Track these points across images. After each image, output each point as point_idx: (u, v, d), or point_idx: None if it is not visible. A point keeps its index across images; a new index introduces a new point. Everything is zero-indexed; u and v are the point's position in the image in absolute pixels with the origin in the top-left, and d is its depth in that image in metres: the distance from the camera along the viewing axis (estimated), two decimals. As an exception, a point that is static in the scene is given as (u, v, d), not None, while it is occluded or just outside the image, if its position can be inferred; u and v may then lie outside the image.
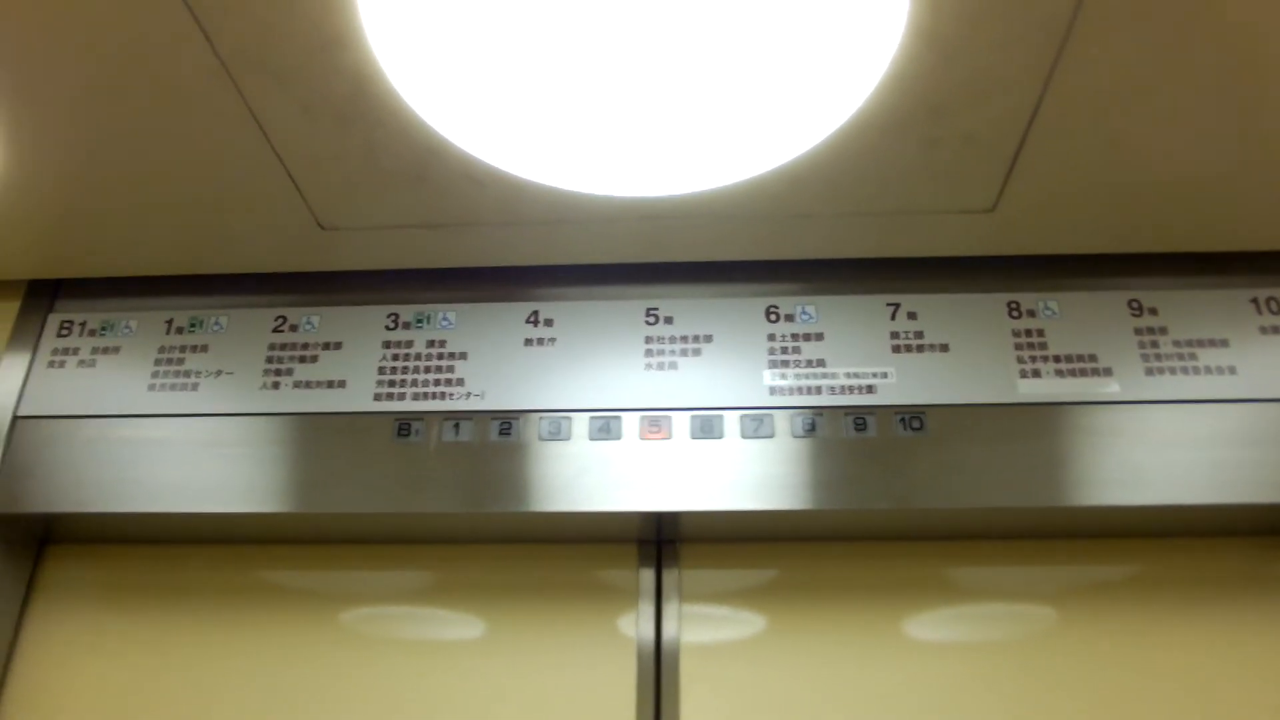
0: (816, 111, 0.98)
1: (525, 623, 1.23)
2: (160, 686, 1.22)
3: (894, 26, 0.88)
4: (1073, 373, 1.19)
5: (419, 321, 1.27)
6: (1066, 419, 1.16)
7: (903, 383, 1.19)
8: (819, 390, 1.19)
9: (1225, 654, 1.16)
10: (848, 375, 1.20)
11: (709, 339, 1.23)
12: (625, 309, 1.26)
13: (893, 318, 1.23)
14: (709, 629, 1.21)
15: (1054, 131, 1.01)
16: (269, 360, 1.26)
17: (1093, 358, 1.19)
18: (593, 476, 1.17)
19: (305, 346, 1.27)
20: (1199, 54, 0.92)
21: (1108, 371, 1.19)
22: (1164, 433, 1.15)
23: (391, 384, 1.23)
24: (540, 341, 1.25)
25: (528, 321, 1.26)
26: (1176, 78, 0.94)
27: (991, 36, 0.89)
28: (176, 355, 1.28)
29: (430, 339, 1.26)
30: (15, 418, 1.25)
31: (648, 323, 1.25)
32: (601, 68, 0.92)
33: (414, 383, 1.23)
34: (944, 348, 1.21)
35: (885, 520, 1.19)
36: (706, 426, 1.18)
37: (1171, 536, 1.22)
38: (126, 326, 1.30)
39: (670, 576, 1.23)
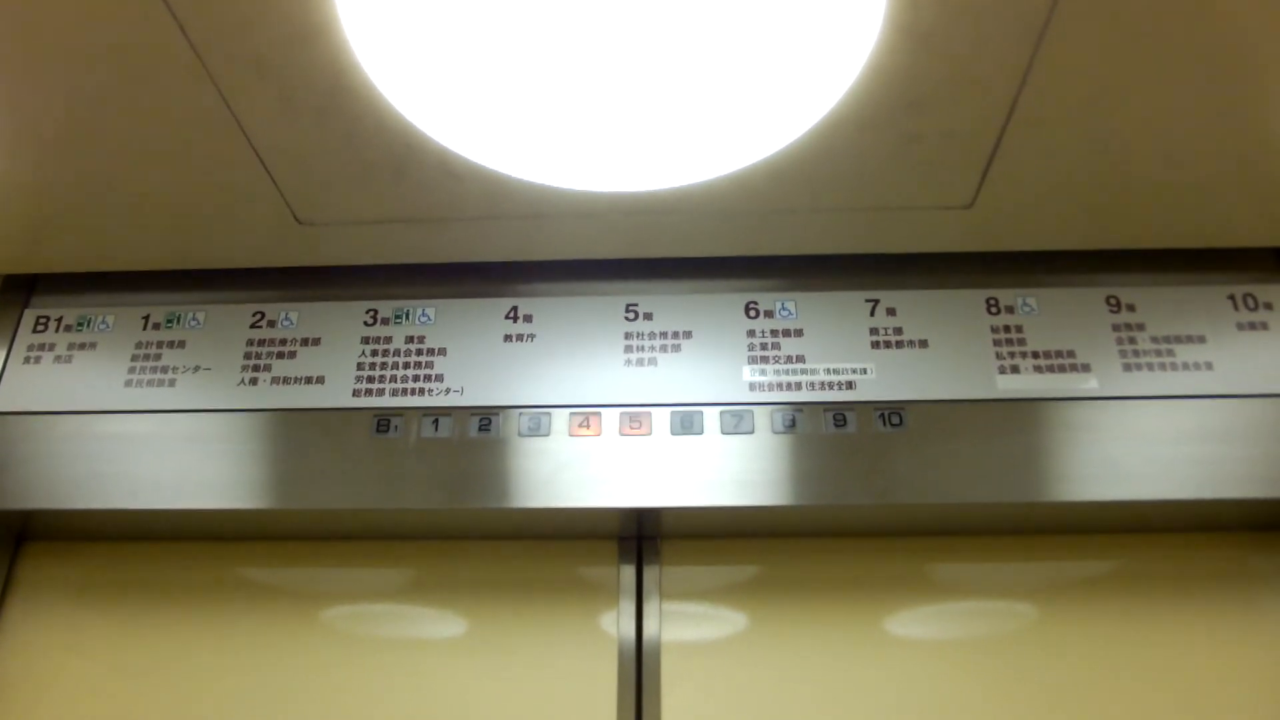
0: (796, 106, 0.98)
1: (506, 619, 1.23)
2: (139, 684, 1.21)
3: (872, 21, 0.88)
4: (1051, 369, 1.19)
5: (398, 317, 1.27)
6: (1045, 415, 1.17)
7: (882, 379, 1.20)
8: (799, 386, 1.20)
9: (1205, 648, 1.17)
10: (827, 371, 1.20)
11: (689, 335, 1.23)
12: (605, 305, 1.26)
13: (872, 314, 1.24)
14: (690, 625, 1.21)
15: (1032, 127, 1.01)
16: (247, 356, 1.26)
17: (1071, 354, 1.20)
18: (572, 472, 1.16)
19: (283, 342, 1.26)
20: (1177, 50, 0.92)
21: (1086, 367, 1.19)
22: (1142, 428, 1.16)
23: (370, 380, 1.23)
24: (520, 337, 1.24)
25: (507, 317, 1.26)
26: (1154, 74, 0.95)
27: (969, 32, 0.89)
28: (153, 351, 1.27)
29: (409, 335, 1.26)
30: (-9, 414, 1.25)
31: (627, 319, 1.25)
32: (581, 62, 0.92)
33: (393, 379, 1.23)
34: (923, 344, 1.21)
35: (866, 516, 1.20)
36: (686, 422, 1.18)
37: (1150, 531, 1.23)
38: (103, 322, 1.30)
39: (651, 573, 1.23)
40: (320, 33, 0.89)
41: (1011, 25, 0.89)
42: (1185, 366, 1.19)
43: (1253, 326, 1.21)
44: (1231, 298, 1.23)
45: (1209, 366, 1.18)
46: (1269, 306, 1.22)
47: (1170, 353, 1.20)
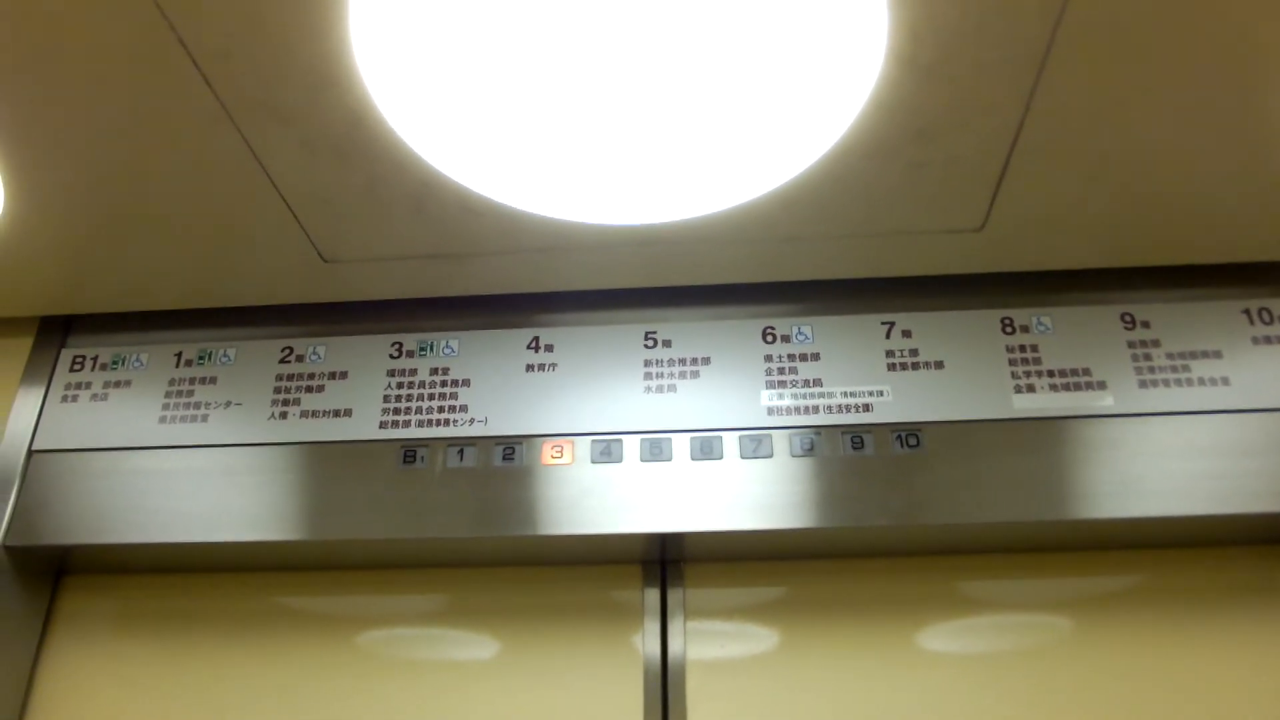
0: (804, 137, 1.00)
1: (533, 643, 1.24)
2: (178, 711, 1.24)
3: (874, 54, 0.90)
4: (1067, 387, 1.20)
5: (423, 350, 1.29)
6: (1062, 433, 1.17)
7: (899, 401, 1.21)
8: (816, 410, 1.21)
9: (1229, 662, 1.17)
10: (844, 394, 1.21)
11: (707, 361, 1.25)
12: (624, 333, 1.28)
13: (888, 336, 1.25)
14: (714, 647, 1.22)
15: (1037, 151, 1.02)
16: (276, 391, 1.29)
17: (1086, 371, 1.20)
18: (595, 499, 1.18)
19: (312, 377, 1.29)
20: (1181, 67, 0.93)
21: (1102, 385, 1.20)
22: (1159, 445, 1.16)
23: (396, 412, 1.25)
24: (541, 367, 1.26)
25: (529, 347, 1.28)
26: (1159, 91, 0.96)
27: (970, 61, 0.91)
28: (186, 387, 1.30)
29: (434, 367, 1.28)
30: (31, 452, 1.28)
31: (646, 346, 1.27)
32: (593, 99, 0.94)
33: (418, 410, 1.25)
34: (939, 365, 1.22)
35: (885, 537, 1.20)
36: (706, 447, 1.19)
37: (1170, 547, 1.23)
38: (137, 360, 1.33)
39: (674, 596, 1.25)
40: (338, 80, 0.92)
41: (1013, 53, 0.90)
42: (1201, 382, 1.19)
43: (1268, 340, 1.21)
44: (1246, 312, 1.23)
45: (1225, 381, 1.19)
46: (1284, 320, 1.22)
47: (1186, 368, 1.20)
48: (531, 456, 1.21)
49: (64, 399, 1.31)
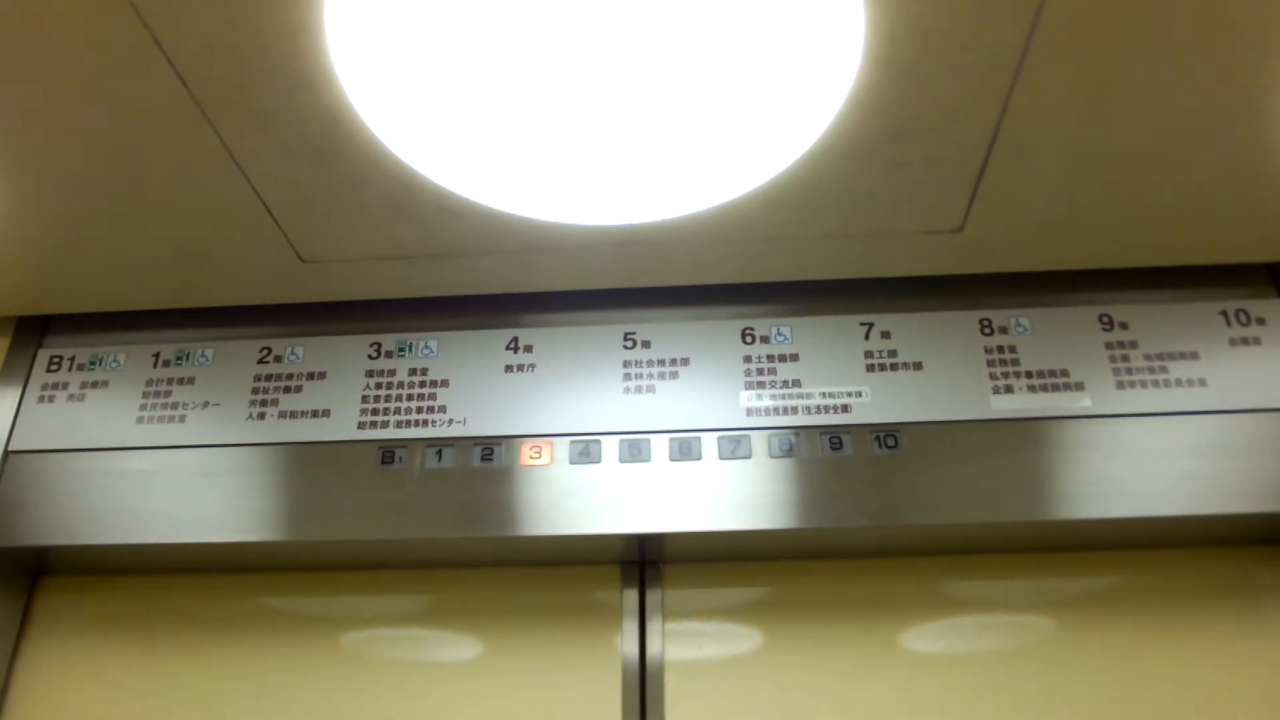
0: (783, 138, 1.00)
1: (511, 644, 1.24)
2: (157, 715, 1.23)
3: (852, 54, 0.90)
4: (1045, 388, 1.20)
5: (401, 350, 1.29)
6: (1039, 434, 1.18)
7: (877, 401, 1.21)
8: (795, 410, 1.21)
9: (1209, 662, 1.17)
10: (823, 395, 1.22)
11: (686, 362, 1.25)
12: (603, 334, 1.28)
13: (866, 337, 1.25)
14: (692, 647, 1.22)
15: (1016, 151, 1.02)
16: (254, 391, 1.28)
17: (1064, 373, 1.21)
18: (574, 500, 1.18)
19: (290, 377, 1.29)
20: (1155, 72, 0.93)
21: (1079, 386, 1.20)
22: (1136, 446, 1.16)
23: (375, 412, 1.25)
24: (520, 368, 1.26)
25: (508, 348, 1.28)
26: (1136, 94, 0.96)
27: (947, 63, 0.91)
28: (164, 388, 1.30)
29: (412, 367, 1.28)
30: (7, 452, 1.27)
31: (626, 347, 1.27)
32: (572, 99, 0.94)
33: (397, 411, 1.25)
34: (917, 366, 1.22)
35: (863, 537, 1.20)
36: (685, 448, 1.19)
37: (1149, 547, 1.23)
38: (114, 360, 1.32)
39: (653, 596, 1.25)
40: (315, 81, 0.92)
41: (989, 54, 0.91)
42: (1179, 383, 1.19)
43: (1245, 342, 1.21)
44: (1224, 314, 1.23)
45: (1202, 383, 1.19)
46: (1261, 322, 1.22)
47: (1163, 370, 1.20)
48: (510, 457, 1.21)
49: (41, 399, 1.31)
